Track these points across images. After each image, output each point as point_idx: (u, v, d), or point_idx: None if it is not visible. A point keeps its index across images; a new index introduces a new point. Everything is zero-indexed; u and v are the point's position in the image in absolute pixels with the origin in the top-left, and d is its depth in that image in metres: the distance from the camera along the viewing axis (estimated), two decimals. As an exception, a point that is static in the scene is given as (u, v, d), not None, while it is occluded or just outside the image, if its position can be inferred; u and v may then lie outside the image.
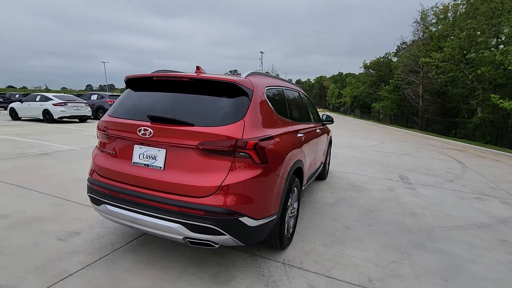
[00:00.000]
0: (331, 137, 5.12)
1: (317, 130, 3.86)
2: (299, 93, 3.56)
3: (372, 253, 2.68)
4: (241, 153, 1.94)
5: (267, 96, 2.41)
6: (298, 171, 2.83)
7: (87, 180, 2.35)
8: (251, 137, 1.97)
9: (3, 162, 5.14)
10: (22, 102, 12.85)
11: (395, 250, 2.77)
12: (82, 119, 13.17)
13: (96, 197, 2.24)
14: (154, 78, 2.25)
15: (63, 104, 11.98)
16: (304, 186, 3.26)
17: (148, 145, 2.08)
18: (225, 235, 1.92)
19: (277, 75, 27.79)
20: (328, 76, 74.91)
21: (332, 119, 4.52)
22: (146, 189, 2.03)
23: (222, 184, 1.91)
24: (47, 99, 12.21)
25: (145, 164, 2.09)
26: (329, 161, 5.45)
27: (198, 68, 2.52)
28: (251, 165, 1.98)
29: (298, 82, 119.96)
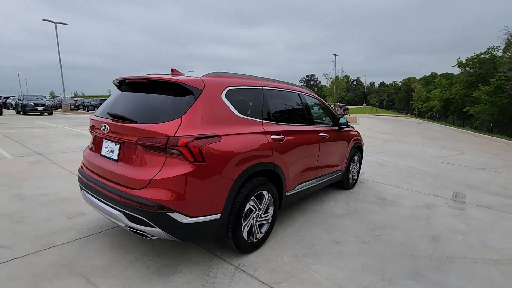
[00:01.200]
0: (357, 143, 4.63)
1: (322, 134, 3.56)
2: (296, 94, 3.37)
3: (344, 273, 2.35)
4: (173, 150, 2.01)
5: (227, 96, 2.40)
6: (271, 175, 2.71)
7: (78, 171, 2.76)
8: (184, 135, 2.01)
9: (74, 154, 6.37)
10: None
11: (376, 274, 2.36)
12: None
13: (80, 185, 2.62)
14: (126, 81, 2.51)
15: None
16: (293, 192, 3.07)
17: (109, 139, 2.34)
18: (155, 228, 2.00)
19: (347, 77, 26.29)
20: (418, 77, 66.70)
21: (347, 122, 4.11)
22: (104, 179, 2.29)
23: (153, 179, 2.01)
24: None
25: (107, 157, 2.35)
26: (359, 169, 4.94)
27: (173, 70, 2.69)
28: (184, 162, 2.02)
29: (382, 84, 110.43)
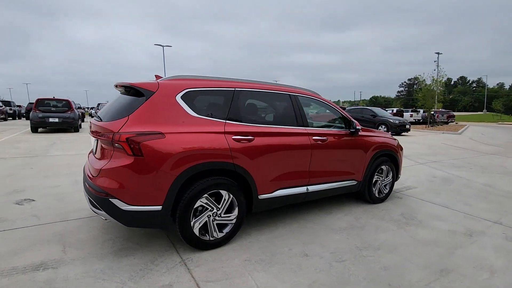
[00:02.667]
0: (385, 151, 4.01)
1: (317, 137, 3.28)
2: (285, 96, 3.22)
3: (284, 286, 2.15)
4: (116, 145, 2.29)
5: (183, 97, 2.56)
6: (235, 175, 2.71)
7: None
8: (126, 131, 2.27)
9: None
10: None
11: (318, 295, 2.07)
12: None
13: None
14: (115, 87, 2.97)
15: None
16: (269, 197, 2.95)
17: (92, 136, 2.81)
18: (101, 211, 2.32)
19: (443, 79, 22.16)
20: None
21: (354, 125, 3.63)
22: (89, 170, 2.76)
23: (102, 168, 2.34)
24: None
25: (94, 151, 2.84)
26: (392, 182, 4.24)
27: (156, 76, 3.02)
28: (125, 156, 2.28)
29: (501, 86, 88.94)
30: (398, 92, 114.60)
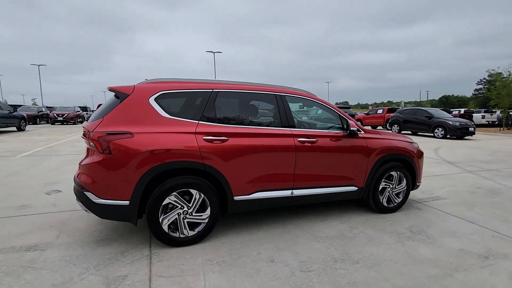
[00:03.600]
0: (395, 155, 3.60)
1: (304, 139, 3.10)
2: (271, 96, 3.12)
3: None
4: (91, 143, 2.52)
5: (156, 99, 2.69)
6: (207, 177, 2.74)
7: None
8: (98, 131, 2.48)
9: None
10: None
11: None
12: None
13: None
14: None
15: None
16: (246, 198, 2.91)
17: None
18: (79, 202, 2.57)
19: None
20: None
21: (349, 127, 3.32)
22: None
23: (80, 164, 2.59)
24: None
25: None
26: (407, 190, 3.77)
27: (146, 79, 3.22)
28: (97, 153, 2.49)
29: None
30: (476, 90, 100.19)
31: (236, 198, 2.88)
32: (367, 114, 22.89)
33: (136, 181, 2.50)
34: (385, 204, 3.66)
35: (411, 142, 3.88)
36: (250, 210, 3.03)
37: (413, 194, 4.58)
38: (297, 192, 3.15)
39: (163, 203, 2.60)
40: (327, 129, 3.43)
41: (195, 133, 2.70)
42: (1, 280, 2.16)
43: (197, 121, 2.77)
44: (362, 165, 3.45)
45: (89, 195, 2.51)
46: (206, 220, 2.78)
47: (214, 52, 32.20)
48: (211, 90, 2.92)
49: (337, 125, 3.45)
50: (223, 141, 2.78)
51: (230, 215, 3.49)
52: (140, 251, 2.64)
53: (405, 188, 3.77)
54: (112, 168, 2.48)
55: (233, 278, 2.25)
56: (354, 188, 3.47)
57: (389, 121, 17.64)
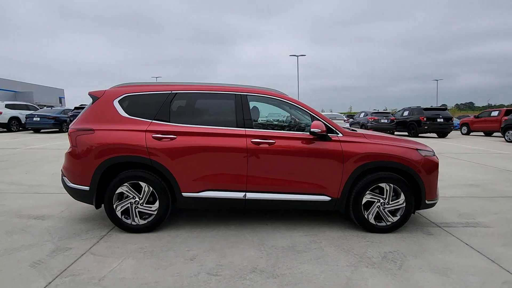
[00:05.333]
0: (386, 163, 2.99)
1: (258, 140, 2.94)
2: (230, 96, 3.09)
3: (131, 275, 2.25)
4: (68, 137, 3.09)
5: (120, 101, 3.07)
6: (156, 172, 2.96)
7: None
8: (71, 127, 3.03)
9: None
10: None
11: (136, 293, 2.04)
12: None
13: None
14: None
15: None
16: (195, 196, 2.98)
17: None
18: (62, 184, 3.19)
19: None
20: None
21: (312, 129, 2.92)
22: None
23: (64, 154, 3.20)
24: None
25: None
26: (404, 208, 3.07)
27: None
28: (70, 146, 3.04)
29: None
30: None
31: (185, 194, 2.99)
32: (476, 117, 18.64)
33: (93, 171, 2.93)
34: (372, 221, 3.07)
35: (416, 149, 3.13)
36: (203, 208, 3.06)
37: (440, 215, 3.66)
38: (251, 196, 3.01)
39: (117, 192, 2.95)
40: (296, 131, 3.14)
41: (146, 131, 2.96)
42: (-2, 236, 2.91)
43: (151, 120, 3.02)
44: (335, 172, 3.01)
45: (65, 179, 3.09)
46: (155, 212, 2.99)
47: (297, 56, 32.35)
48: (170, 92, 3.12)
49: (306, 127, 3.12)
50: (172, 139, 2.94)
51: (200, 211, 3.60)
52: (100, 232, 3.06)
53: (404, 205, 3.07)
54: (77, 158, 2.99)
55: (142, 267, 2.38)
56: (326, 198, 3.05)
57: (502, 126, 13.98)
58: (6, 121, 16.42)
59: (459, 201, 4.26)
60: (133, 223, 2.99)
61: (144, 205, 2.99)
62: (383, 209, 3.07)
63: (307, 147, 3.00)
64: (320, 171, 3.01)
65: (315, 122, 2.95)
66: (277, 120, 3.45)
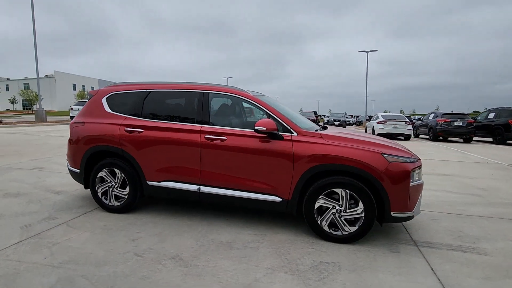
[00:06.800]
0: (321, 165, 2.75)
1: (211, 136, 3.04)
2: (196, 94, 3.26)
3: (77, 244, 2.67)
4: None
5: (107, 98, 3.57)
6: (119, 157, 3.40)
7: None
8: (72, 121, 3.67)
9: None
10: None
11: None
12: (406, 137, 13.62)
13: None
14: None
15: (383, 122, 13.45)
16: (157, 185, 3.28)
17: None
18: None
19: None
20: None
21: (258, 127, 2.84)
22: None
23: (70, 142, 3.88)
24: (377, 117, 14.36)
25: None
26: (360, 218, 2.75)
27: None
28: (69, 135, 3.68)
29: None
30: None
31: (149, 183, 3.31)
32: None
33: (81, 156, 3.50)
34: (326, 228, 2.86)
35: (382, 153, 2.75)
36: (165, 197, 3.31)
37: (433, 232, 3.15)
38: (204, 189, 3.15)
39: (98, 176, 3.46)
40: (251, 129, 3.13)
41: (120, 124, 3.38)
42: (17, 199, 3.75)
43: (126, 115, 3.43)
44: (285, 172, 2.89)
45: (67, 162, 3.76)
46: (126, 196, 3.40)
47: (367, 52, 30.02)
48: (145, 90, 3.48)
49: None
50: (139, 132, 3.29)
51: (179, 202, 3.89)
52: (87, 209, 3.61)
53: (362, 215, 2.76)
54: (72, 145, 3.61)
55: (91, 240, 2.77)
56: (277, 199, 2.97)
57: None
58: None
59: (477, 221, 3.53)
60: (110, 204, 3.46)
61: (118, 189, 3.43)
62: (339, 217, 2.82)
63: (256, 145, 2.97)
64: (270, 170, 2.94)
65: (262, 120, 2.89)
66: (238, 118, 3.46)
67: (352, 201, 2.79)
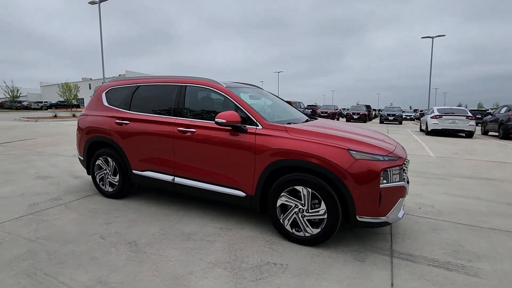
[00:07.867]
0: (281, 161, 2.54)
1: (183, 128, 3.08)
2: (175, 88, 3.32)
3: (62, 223, 3.01)
4: (79, 122, 4.18)
5: (106, 93, 3.89)
6: (110, 146, 3.68)
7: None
8: (80, 114, 4.09)
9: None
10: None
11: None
12: (467, 134, 11.78)
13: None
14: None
15: (438, 117, 11.83)
16: (139, 173, 3.47)
17: None
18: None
19: None
20: None
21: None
22: None
23: (82, 133, 4.34)
24: (432, 111, 12.68)
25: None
26: (322, 219, 2.51)
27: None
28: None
29: None
30: None
31: (134, 172, 3.53)
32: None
33: (84, 145, 3.89)
34: (288, 228, 2.69)
35: (348, 149, 2.45)
36: (148, 186, 3.47)
37: (424, 245, 2.74)
38: (178, 180, 3.22)
39: (96, 163, 3.82)
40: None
41: (112, 117, 3.66)
42: (43, 180, 4.35)
43: (118, 109, 3.69)
44: (248, 166, 2.79)
45: (77, 152, 4.22)
46: (117, 182, 3.68)
47: (432, 37, 26.54)
48: (135, 85, 3.69)
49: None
50: (126, 124, 3.52)
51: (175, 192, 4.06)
52: (89, 193, 4.01)
53: (325, 216, 2.52)
54: (77, 136, 4.03)
55: (74, 221, 3.08)
56: (241, 194, 2.88)
57: None
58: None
59: (491, 236, 2.93)
60: (105, 189, 3.80)
61: (111, 176, 3.73)
62: (301, 217, 2.62)
63: (223, 138, 2.92)
64: (235, 163, 2.87)
65: (223, 112, 2.82)
66: (210, 110, 3.39)
67: (316, 201, 2.57)
